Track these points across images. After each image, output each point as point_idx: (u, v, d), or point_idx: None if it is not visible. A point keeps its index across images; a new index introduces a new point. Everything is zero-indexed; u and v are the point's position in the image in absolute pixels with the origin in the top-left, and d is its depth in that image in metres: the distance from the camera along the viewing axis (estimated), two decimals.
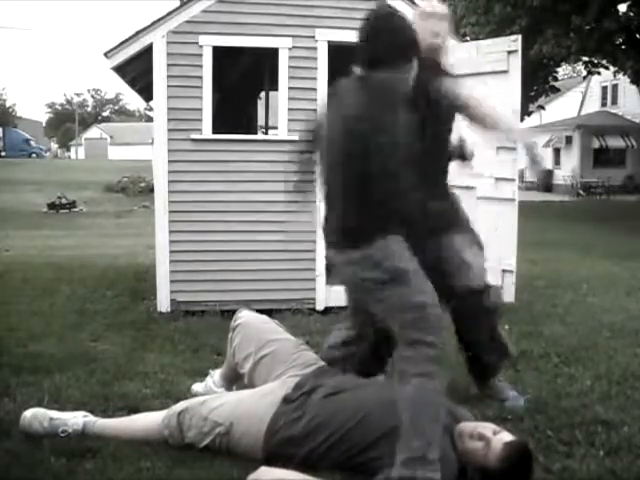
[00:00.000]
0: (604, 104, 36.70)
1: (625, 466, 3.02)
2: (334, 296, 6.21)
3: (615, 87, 35.40)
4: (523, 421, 3.55)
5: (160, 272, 6.01)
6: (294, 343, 3.45)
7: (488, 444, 2.60)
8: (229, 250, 6.10)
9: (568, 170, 34.42)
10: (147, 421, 3.21)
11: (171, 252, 6.00)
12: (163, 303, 5.97)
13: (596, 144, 33.67)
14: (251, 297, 5.82)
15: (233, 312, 3.69)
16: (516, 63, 5.65)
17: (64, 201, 20.04)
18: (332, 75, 6.16)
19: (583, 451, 3.18)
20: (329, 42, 6.09)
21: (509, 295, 5.79)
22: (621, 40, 23.98)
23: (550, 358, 4.81)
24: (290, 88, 6.09)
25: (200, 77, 5.94)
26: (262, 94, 9.21)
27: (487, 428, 2.68)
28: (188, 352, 4.88)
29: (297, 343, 3.47)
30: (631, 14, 23.24)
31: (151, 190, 18.11)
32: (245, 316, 3.52)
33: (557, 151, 36.06)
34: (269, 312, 3.69)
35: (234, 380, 3.56)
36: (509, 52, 5.69)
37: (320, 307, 6.19)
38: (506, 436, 2.67)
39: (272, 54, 6.16)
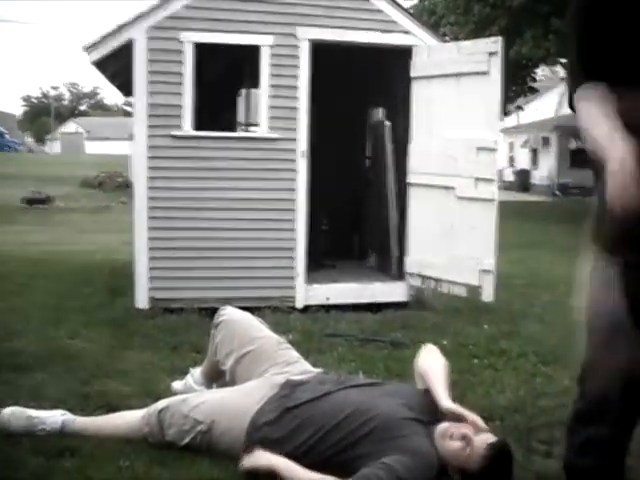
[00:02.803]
0: None
1: None
2: (313, 294, 6.24)
3: None
4: (503, 421, 3.57)
5: (139, 269, 5.96)
6: (276, 341, 3.44)
7: (470, 445, 2.61)
8: (208, 247, 6.07)
9: (545, 171, 34.70)
10: (127, 419, 3.18)
11: (150, 249, 5.96)
12: (141, 300, 5.93)
13: (573, 145, 33.94)
14: (231, 294, 5.80)
15: (212, 310, 3.67)
16: (497, 64, 5.67)
17: (39, 196, 19.83)
18: (315, 73, 6.18)
19: (561, 450, 3.19)
20: (311, 40, 6.08)
21: (488, 295, 5.82)
22: None
23: (529, 358, 4.85)
24: (271, 86, 6.06)
25: (181, 73, 5.90)
26: (243, 91, 9.19)
27: (469, 427, 2.68)
28: (167, 350, 4.85)
29: (279, 341, 3.46)
30: None
31: (128, 186, 17.98)
32: (229, 313, 3.50)
33: (534, 152, 36.33)
34: (249, 310, 3.67)
35: (215, 378, 3.55)
36: (490, 53, 5.70)
37: (299, 305, 6.19)
38: (488, 436, 2.67)
39: (254, 51, 6.13)
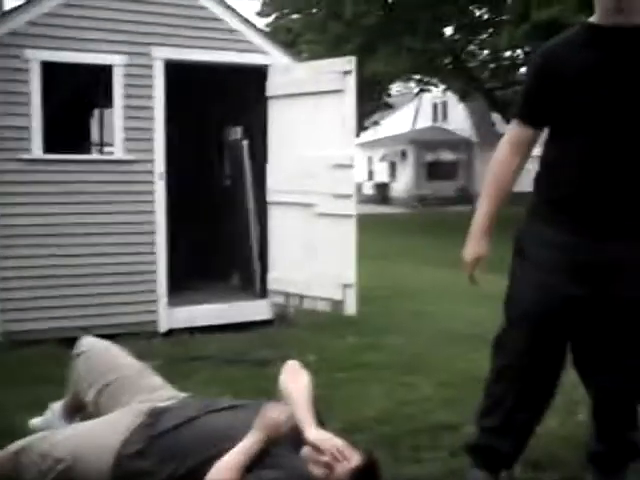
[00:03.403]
0: (435, 119, 38.53)
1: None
2: (176, 317, 6.13)
3: (445, 104, 37.27)
4: (371, 431, 3.62)
5: None
6: (139, 368, 3.33)
7: (333, 473, 2.59)
8: (64, 275, 5.84)
9: (403, 183, 35.84)
10: None
11: (2, 279, 5.67)
12: None
13: (429, 158, 35.30)
14: (91, 323, 5.61)
15: (72, 340, 3.52)
16: (351, 83, 5.81)
17: None
18: (171, 93, 6.10)
19: (429, 455, 3.29)
20: (165, 60, 6.00)
21: (351, 308, 5.92)
22: (449, 61, 25.37)
23: (393, 368, 4.94)
24: (125, 107, 5.93)
25: (27, 93, 5.67)
26: (96, 111, 8.95)
27: (329, 453, 2.65)
28: (25, 384, 4.61)
29: (142, 368, 3.36)
30: (456, 37, 24.66)
31: None
32: (89, 343, 3.37)
33: (392, 165, 37.46)
34: (110, 337, 3.55)
35: (77, 411, 3.39)
36: (344, 72, 5.84)
37: (163, 330, 6.06)
38: (351, 460, 2.65)
39: (106, 70, 5.98)
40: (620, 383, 2.71)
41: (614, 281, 2.57)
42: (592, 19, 2.57)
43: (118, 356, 3.34)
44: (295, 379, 3.01)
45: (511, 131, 2.72)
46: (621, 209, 2.55)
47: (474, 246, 2.75)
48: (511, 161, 2.69)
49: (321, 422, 2.79)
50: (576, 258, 2.57)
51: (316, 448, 2.61)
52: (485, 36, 25.99)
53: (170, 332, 6.02)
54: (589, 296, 2.58)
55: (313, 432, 2.69)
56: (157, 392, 3.17)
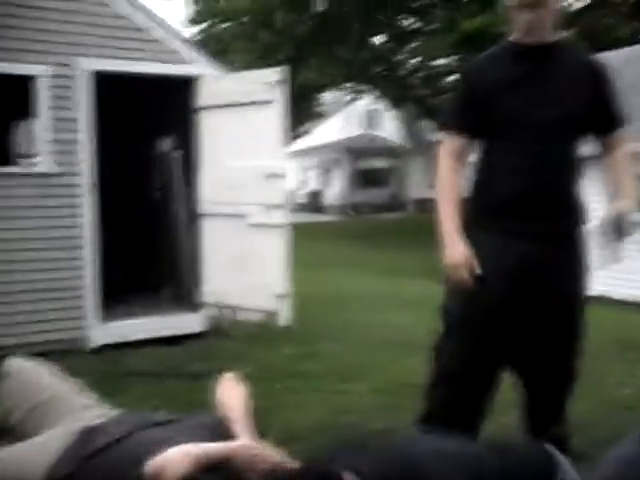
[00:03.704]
0: (367, 127, 38.87)
1: None
2: (108, 333, 6.01)
3: (376, 111, 37.66)
4: (308, 440, 3.62)
5: None
6: (69, 387, 3.25)
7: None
8: None
9: (336, 191, 36.03)
10: None
11: None
12: None
13: (361, 165, 35.58)
14: (17, 341, 5.45)
15: (1, 357, 3.42)
16: (281, 93, 5.83)
17: None
18: (99, 104, 6.00)
19: None
20: (91, 71, 5.89)
21: (285, 319, 5.92)
22: (379, 69, 25.72)
23: (328, 377, 4.96)
24: (51, 118, 5.79)
25: None
26: (21, 122, 8.73)
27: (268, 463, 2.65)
28: None
29: (72, 386, 3.28)
30: (386, 46, 25.00)
31: None
32: (14, 363, 3.27)
33: (325, 173, 37.62)
34: (41, 355, 3.47)
35: (3, 434, 3.30)
36: (274, 82, 5.85)
37: (94, 345, 5.93)
38: (287, 469, 2.66)
39: (31, 81, 5.84)
40: (550, 380, 2.82)
41: (545, 283, 2.71)
42: (512, 37, 2.81)
43: (46, 375, 3.26)
44: (231, 392, 2.99)
45: (447, 143, 2.84)
46: (550, 213, 2.72)
47: (457, 247, 2.74)
48: (457, 169, 2.82)
49: (259, 433, 2.78)
50: (508, 263, 2.68)
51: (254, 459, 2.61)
52: (415, 45, 26.44)
53: (102, 348, 5.90)
54: (522, 299, 2.71)
55: (239, 443, 2.68)
56: (88, 411, 3.10)
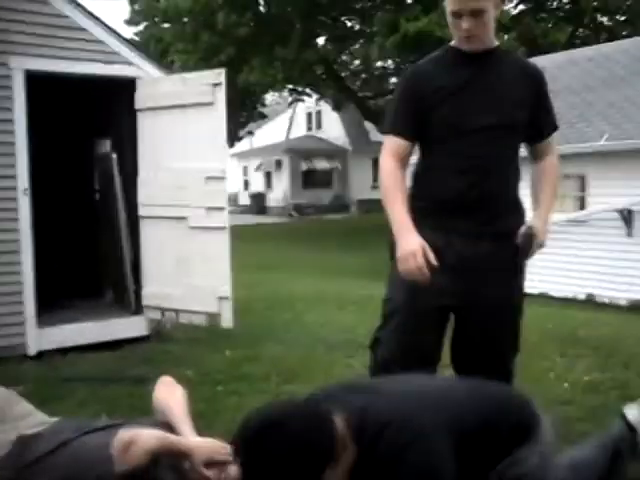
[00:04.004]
0: (310, 129, 38.99)
1: None
2: (47, 338, 5.89)
3: (319, 113, 37.79)
4: None
5: None
6: (5, 395, 3.18)
7: (225, 471, 2.60)
8: None
9: (280, 192, 36.04)
10: None
11: None
12: None
13: (304, 167, 35.67)
14: None
15: None
16: (221, 95, 5.79)
17: None
18: (35, 105, 5.87)
19: None
20: (27, 71, 5.76)
21: (227, 321, 5.90)
22: (322, 71, 25.80)
23: (271, 379, 4.96)
24: None
25: None
26: None
27: (220, 454, 2.67)
28: None
29: (8, 394, 3.20)
30: (328, 47, 25.11)
31: None
32: None
33: (268, 174, 37.61)
34: None
35: None
36: (214, 84, 5.81)
37: (32, 352, 5.79)
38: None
39: None
40: (487, 377, 2.87)
41: (484, 281, 2.78)
42: (453, 43, 2.87)
43: None
44: (170, 393, 2.98)
45: (389, 145, 2.87)
46: (490, 214, 2.80)
47: (412, 237, 2.69)
48: (401, 169, 2.84)
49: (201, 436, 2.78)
50: (447, 260, 2.72)
51: (204, 454, 2.61)
52: (357, 47, 26.62)
53: (40, 354, 5.77)
54: (460, 295, 2.77)
55: (195, 440, 2.68)
56: (25, 419, 3.03)
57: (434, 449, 1.99)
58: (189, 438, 2.70)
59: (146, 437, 2.44)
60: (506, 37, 20.29)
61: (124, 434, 2.40)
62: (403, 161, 2.86)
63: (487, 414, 2.18)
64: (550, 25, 24.11)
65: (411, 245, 2.66)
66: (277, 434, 1.96)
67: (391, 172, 2.82)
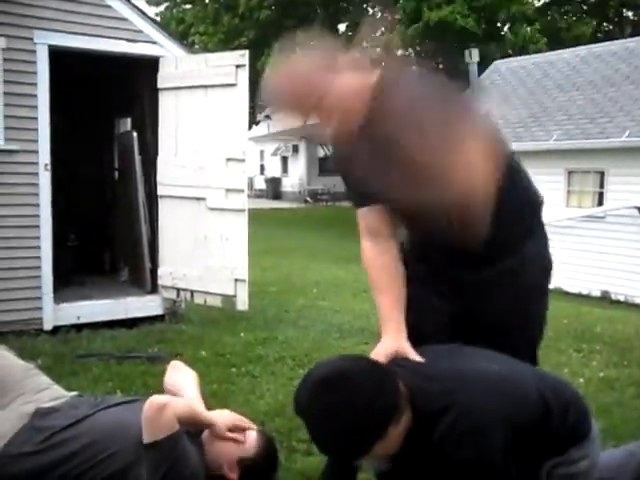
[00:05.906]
0: None
1: None
2: (62, 314, 5.93)
3: None
4: (264, 425, 3.63)
5: None
6: (23, 368, 3.19)
7: (244, 441, 2.65)
8: None
9: (296, 178, 35.98)
10: None
11: None
12: None
13: (321, 153, 35.57)
14: None
15: None
16: (244, 77, 5.77)
17: None
18: (58, 81, 5.87)
19: None
20: (51, 46, 5.76)
21: (243, 303, 5.91)
22: None
23: (285, 362, 4.98)
24: (5, 94, 5.62)
25: None
26: None
27: (236, 425, 2.71)
28: None
29: (26, 367, 3.22)
30: (349, 34, 24.99)
31: None
32: None
33: (285, 159, 37.55)
34: None
35: None
36: (237, 66, 5.79)
37: (48, 327, 5.83)
38: (252, 428, 2.74)
39: None
40: None
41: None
42: None
43: None
44: (181, 374, 3.00)
45: (362, 220, 2.59)
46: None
47: (389, 340, 2.33)
48: (379, 243, 2.53)
49: None
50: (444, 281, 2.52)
51: (222, 427, 2.66)
52: (378, 34, 26.44)
53: (56, 329, 5.81)
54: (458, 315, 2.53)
55: (210, 414, 2.71)
56: (42, 392, 3.05)
57: (489, 446, 1.92)
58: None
59: (177, 403, 2.53)
60: (529, 29, 20.13)
61: (157, 397, 2.47)
62: (382, 231, 2.51)
63: (550, 407, 2.08)
64: (574, 18, 23.89)
65: (387, 348, 2.30)
66: (347, 384, 1.95)
67: (373, 263, 2.50)
